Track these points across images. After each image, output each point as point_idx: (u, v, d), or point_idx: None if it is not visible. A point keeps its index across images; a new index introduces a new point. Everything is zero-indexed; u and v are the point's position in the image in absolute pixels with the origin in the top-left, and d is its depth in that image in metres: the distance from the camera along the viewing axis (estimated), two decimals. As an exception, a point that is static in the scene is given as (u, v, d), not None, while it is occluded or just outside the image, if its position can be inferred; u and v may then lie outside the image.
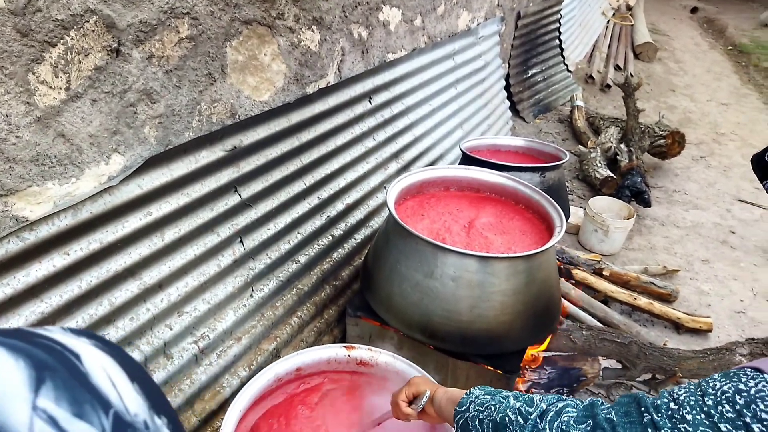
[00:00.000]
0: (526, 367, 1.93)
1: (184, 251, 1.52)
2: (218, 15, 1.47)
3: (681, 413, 0.74)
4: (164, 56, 1.35)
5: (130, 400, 0.34)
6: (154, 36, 1.31)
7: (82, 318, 1.26)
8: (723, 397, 0.72)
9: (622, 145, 3.95)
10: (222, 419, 1.32)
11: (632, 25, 7.73)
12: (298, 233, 1.95)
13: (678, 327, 2.63)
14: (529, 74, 4.92)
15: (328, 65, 2.02)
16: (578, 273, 2.73)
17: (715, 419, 0.71)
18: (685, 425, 0.73)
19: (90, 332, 0.38)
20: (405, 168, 2.62)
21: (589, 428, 0.81)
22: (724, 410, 0.71)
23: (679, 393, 0.77)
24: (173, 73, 1.39)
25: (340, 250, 2.15)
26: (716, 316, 2.77)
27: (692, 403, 0.74)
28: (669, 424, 0.74)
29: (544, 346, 1.97)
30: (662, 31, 8.78)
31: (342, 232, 2.15)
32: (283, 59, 1.77)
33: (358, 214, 2.26)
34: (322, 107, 2.04)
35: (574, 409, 0.87)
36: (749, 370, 0.73)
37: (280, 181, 1.85)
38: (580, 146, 4.40)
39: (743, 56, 7.90)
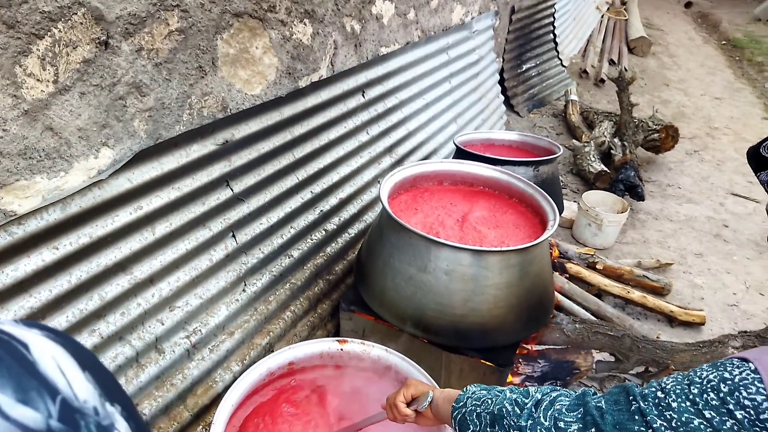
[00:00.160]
0: (520, 360, 1.94)
1: (175, 246, 1.51)
2: (209, 7, 1.46)
3: (667, 401, 0.76)
4: (154, 49, 1.34)
5: (80, 388, 0.35)
6: (144, 28, 1.30)
7: (72, 313, 1.25)
8: (708, 385, 0.74)
9: (616, 140, 3.96)
10: (214, 414, 1.32)
11: (626, 20, 7.74)
12: (291, 228, 1.94)
13: (671, 320, 2.64)
14: (524, 69, 4.92)
15: (320, 59, 2.01)
16: (572, 267, 2.73)
17: (700, 406, 0.73)
18: (670, 412, 0.75)
19: (42, 324, 0.40)
20: (399, 162, 2.61)
21: (579, 415, 0.85)
22: (708, 398, 0.73)
23: (667, 382, 0.80)
24: (163, 66, 1.37)
25: (333, 244, 2.14)
26: (709, 309, 2.78)
27: (678, 391, 0.77)
28: (655, 411, 0.77)
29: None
30: (656, 25, 8.79)
31: (335, 227, 2.14)
32: (275, 52, 1.76)
33: (351, 209, 2.25)
34: (315, 101, 2.03)
35: (567, 398, 0.90)
36: (736, 360, 0.76)
37: (272, 175, 1.84)
38: (574, 140, 4.40)
39: (737, 51, 7.92)
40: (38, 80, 1.11)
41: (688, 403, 0.74)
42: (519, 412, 0.92)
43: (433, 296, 1.60)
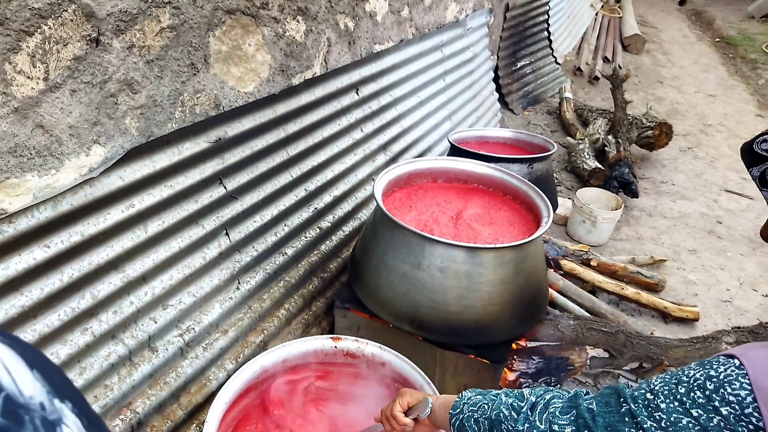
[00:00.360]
0: (514, 356, 1.94)
1: (168, 244, 1.50)
2: (201, 4, 1.45)
3: (656, 402, 0.78)
4: (145, 46, 1.33)
5: (26, 385, 0.37)
6: (135, 25, 1.29)
7: (64, 311, 1.24)
8: (695, 384, 0.76)
9: (610, 137, 3.97)
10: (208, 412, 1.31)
11: (620, 17, 7.75)
12: (285, 225, 1.94)
13: (665, 316, 2.65)
14: (518, 66, 4.92)
15: (314, 56, 2.00)
16: (566, 263, 2.74)
17: (687, 405, 0.75)
18: (659, 413, 0.77)
19: None
20: (393, 160, 2.61)
21: (573, 418, 0.87)
22: (695, 396, 0.75)
23: (655, 383, 0.81)
24: (155, 63, 1.37)
25: (327, 242, 2.14)
26: (703, 305, 2.79)
27: (666, 392, 0.78)
28: (645, 413, 0.78)
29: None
30: (650, 23, 8.81)
31: (330, 224, 2.14)
32: (268, 50, 1.75)
33: (345, 206, 2.25)
34: (309, 98, 2.02)
35: (560, 400, 0.92)
36: (722, 357, 0.77)
37: (266, 173, 1.84)
38: (568, 138, 4.41)
39: (730, 48, 7.95)
40: (28, 77, 1.10)
41: (676, 403, 0.76)
42: (516, 416, 0.93)
43: (427, 293, 1.60)
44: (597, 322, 2.11)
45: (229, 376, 1.45)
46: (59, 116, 1.18)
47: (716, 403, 0.72)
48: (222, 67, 1.59)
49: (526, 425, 0.90)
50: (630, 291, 2.68)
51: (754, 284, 3.02)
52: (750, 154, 1.30)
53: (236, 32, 1.60)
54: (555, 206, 2.53)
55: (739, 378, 0.71)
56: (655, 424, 0.76)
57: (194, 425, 1.53)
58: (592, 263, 2.81)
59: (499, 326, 1.67)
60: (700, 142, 4.90)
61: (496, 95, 4.24)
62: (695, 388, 0.75)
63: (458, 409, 1.05)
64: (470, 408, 1.03)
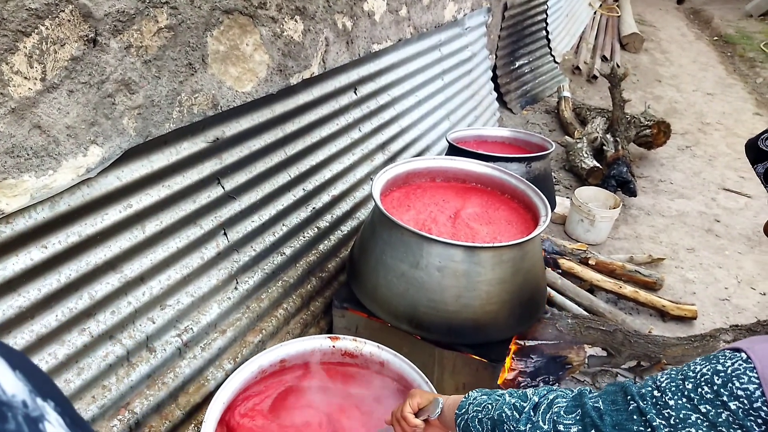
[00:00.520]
0: (512, 355, 1.94)
1: (166, 244, 1.50)
2: (198, 4, 1.45)
3: (664, 399, 0.76)
4: (143, 46, 1.33)
5: (8, 384, 0.39)
6: (132, 25, 1.29)
7: (61, 312, 1.24)
8: (702, 379, 0.74)
9: (609, 136, 3.97)
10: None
11: (619, 16, 7.76)
12: (284, 225, 1.94)
13: (663, 315, 2.65)
14: (516, 65, 4.92)
15: (311, 56, 2.00)
16: (565, 262, 2.74)
17: (695, 401, 0.73)
18: (668, 410, 0.75)
19: None
20: (391, 159, 2.61)
21: (578, 417, 0.85)
22: (703, 392, 0.73)
23: (662, 380, 0.80)
24: (152, 63, 1.37)
25: (326, 241, 2.14)
26: (701, 303, 2.80)
27: (673, 388, 0.77)
28: (654, 411, 0.77)
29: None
30: (649, 22, 8.81)
31: (328, 224, 2.14)
32: (266, 49, 1.75)
33: (344, 206, 2.25)
34: (307, 98, 2.02)
35: (564, 400, 0.90)
36: (728, 351, 0.75)
37: (264, 172, 1.84)
38: (566, 137, 4.41)
39: (729, 47, 7.95)
40: (25, 78, 1.10)
41: (684, 400, 0.75)
42: (518, 416, 0.92)
43: (425, 293, 1.60)
44: (595, 320, 2.11)
45: (227, 376, 1.45)
46: (56, 117, 1.18)
47: (724, 398, 0.71)
48: (220, 67, 1.59)
49: (528, 426, 0.90)
50: (628, 290, 2.68)
51: (752, 282, 3.02)
52: (755, 151, 1.30)
53: (234, 32, 1.60)
54: (553, 205, 2.53)
55: (747, 372, 0.70)
56: (664, 422, 0.75)
57: (192, 425, 1.53)
58: (590, 262, 2.81)
59: (497, 325, 1.67)
60: (699, 140, 4.90)
61: (495, 94, 4.24)
62: (702, 384, 0.74)
63: (464, 410, 1.05)
64: (475, 408, 1.02)
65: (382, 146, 2.57)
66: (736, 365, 0.72)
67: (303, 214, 2.02)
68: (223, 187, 1.68)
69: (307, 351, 1.56)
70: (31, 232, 1.17)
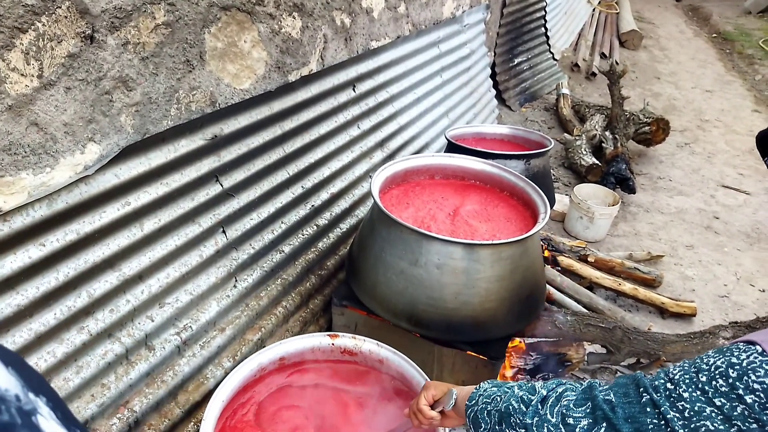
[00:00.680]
0: (512, 352, 1.94)
1: (164, 242, 1.50)
2: (196, 0, 1.44)
3: (678, 392, 0.75)
4: (140, 43, 1.32)
5: (1, 379, 0.41)
6: (130, 22, 1.28)
7: (60, 310, 1.24)
8: (716, 372, 0.73)
9: (607, 133, 3.97)
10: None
11: (617, 13, 7.75)
12: (282, 223, 1.93)
13: (662, 312, 2.65)
14: (515, 63, 4.92)
15: (310, 53, 2.00)
16: (564, 260, 2.74)
17: (710, 394, 0.72)
18: (682, 403, 0.74)
19: None
20: (390, 157, 2.60)
21: (588, 410, 0.83)
22: (717, 385, 0.72)
23: (675, 372, 0.78)
24: (150, 60, 1.36)
25: (325, 239, 2.13)
26: (700, 300, 2.80)
27: (687, 381, 0.75)
28: (668, 403, 0.75)
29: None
30: (647, 19, 8.80)
31: (327, 222, 2.14)
32: (264, 46, 1.74)
33: (342, 204, 2.24)
34: (305, 95, 2.01)
35: (573, 393, 0.89)
36: (742, 344, 0.74)
37: (262, 170, 1.83)
38: (565, 134, 4.41)
39: (727, 44, 7.95)
40: (22, 75, 1.10)
41: (698, 392, 0.73)
42: (525, 409, 0.91)
43: (424, 290, 1.60)
44: (594, 317, 2.11)
45: (226, 374, 1.45)
46: (54, 114, 1.17)
47: (740, 392, 0.69)
48: (218, 64, 1.58)
49: (536, 419, 0.88)
50: (627, 287, 2.68)
51: (751, 279, 3.02)
52: (766, 143, 1.30)
53: (232, 29, 1.60)
54: (552, 202, 2.53)
55: (764, 365, 0.69)
56: (678, 414, 0.74)
57: (192, 423, 1.53)
58: (589, 259, 2.81)
59: (496, 323, 1.67)
60: (697, 137, 4.90)
61: (493, 92, 4.23)
62: (717, 376, 0.72)
63: (474, 401, 1.05)
64: (484, 400, 1.02)
65: (380, 144, 2.57)
66: (751, 358, 0.71)
67: (302, 211, 2.02)
68: (221, 185, 1.67)
69: (306, 349, 1.56)
70: (29, 230, 1.17)
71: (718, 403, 0.71)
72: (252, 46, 1.69)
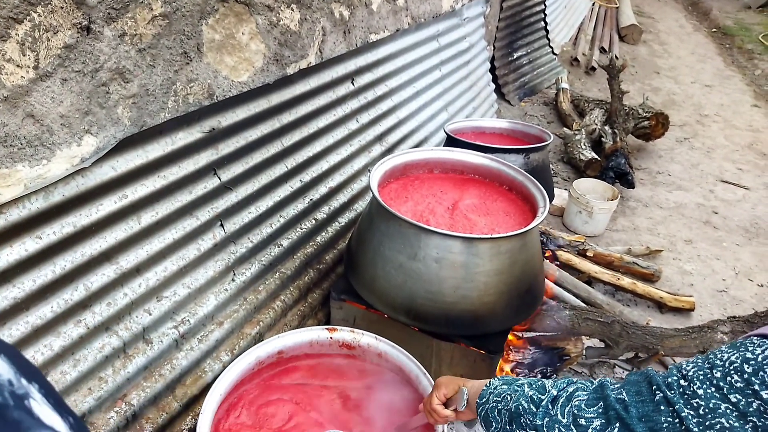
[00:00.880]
0: (510, 347, 1.94)
1: (162, 235, 1.49)
2: (193, -8, 1.43)
3: (692, 388, 0.74)
4: (137, 34, 1.31)
5: None
6: (126, 13, 1.27)
7: (57, 303, 1.23)
8: (731, 367, 0.71)
9: (607, 127, 3.96)
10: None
11: (617, 8, 7.72)
12: (281, 217, 1.92)
13: (661, 306, 2.65)
14: (515, 57, 4.90)
15: (308, 45, 1.98)
16: (562, 254, 2.74)
17: (725, 391, 0.70)
18: (697, 400, 0.73)
19: None
20: (389, 151, 2.59)
21: (601, 410, 0.81)
22: (732, 380, 0.70)
23: (688, 368, 0.77)
24: (147, 51, 1.35)
25: (323, 233, 2.13)
26: (699, 295, 2.80)
27: (701, 377, 0.74)
28: (681, 401, 0.74)
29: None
30: (647, 13, 8.78)
31: (325, 216, 2.13)
32: (262, 38, 1.73)
33: (341, 198, 2.24)
34: (303, 88, 2.00)
35: (584, 393, 0.87)
36: (755, 338, 0.73)
37: (260, 163, 1.82)
38: (565, 128, 4.40)
39: (727, 38, 7.94)
40: (18, 66, 1.09)
41: (713, 389, 0.72)
42: (534, 410, 0.90)
43: (423, 284, 1.59)
44: (593, 312, 2.11)
45: (224, 368, 1.45)
46: (50, 105, 1.16)
47: (756, 387, 0.67)
48: (215, 56, 1.57)
49: (546, 419, 0.87)
50: (626, 281, 2.68)
51: (750, 274, 3.03)
52: None
53: (229, 20, 1.58)
54: (551, 197, 2.53)
55: None
56: (692, 412, 0.72)
57: (189, 417, 1.53)
58: (588, 254, 2.81)
59: (495, 317, 1.66)
60: (697, 132, 4.90)
61: (493, 86, 4.22)
62: (732, 372, 0.71)
63: (484, 399, 1.04)
64: (495, 398, 1.01)
65: (379, 137, 2.56)
66: (767, 353, 0.69)
67: (300, 205, 2.01)
68: (219, 178, 1.67)
69: (304, 342, 1.55)
70: (25, 223, 1.16)
71: (734, 400, 0.69)
72: (250, 38, 1.68)
